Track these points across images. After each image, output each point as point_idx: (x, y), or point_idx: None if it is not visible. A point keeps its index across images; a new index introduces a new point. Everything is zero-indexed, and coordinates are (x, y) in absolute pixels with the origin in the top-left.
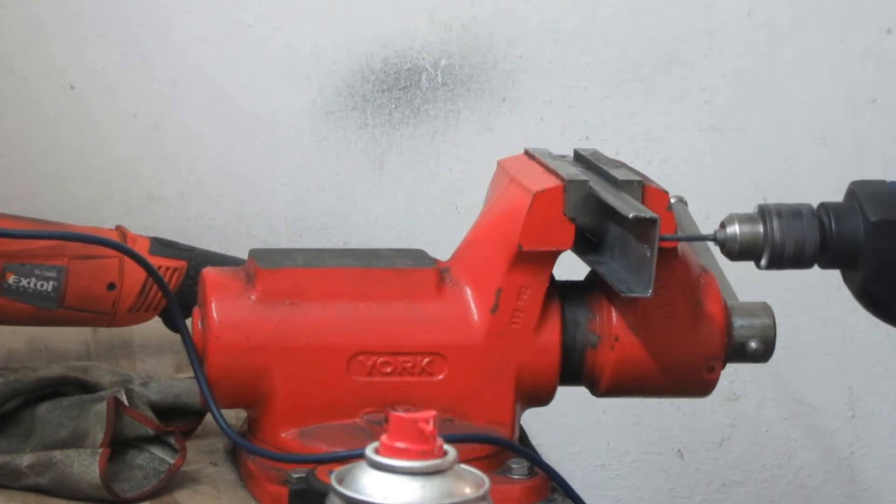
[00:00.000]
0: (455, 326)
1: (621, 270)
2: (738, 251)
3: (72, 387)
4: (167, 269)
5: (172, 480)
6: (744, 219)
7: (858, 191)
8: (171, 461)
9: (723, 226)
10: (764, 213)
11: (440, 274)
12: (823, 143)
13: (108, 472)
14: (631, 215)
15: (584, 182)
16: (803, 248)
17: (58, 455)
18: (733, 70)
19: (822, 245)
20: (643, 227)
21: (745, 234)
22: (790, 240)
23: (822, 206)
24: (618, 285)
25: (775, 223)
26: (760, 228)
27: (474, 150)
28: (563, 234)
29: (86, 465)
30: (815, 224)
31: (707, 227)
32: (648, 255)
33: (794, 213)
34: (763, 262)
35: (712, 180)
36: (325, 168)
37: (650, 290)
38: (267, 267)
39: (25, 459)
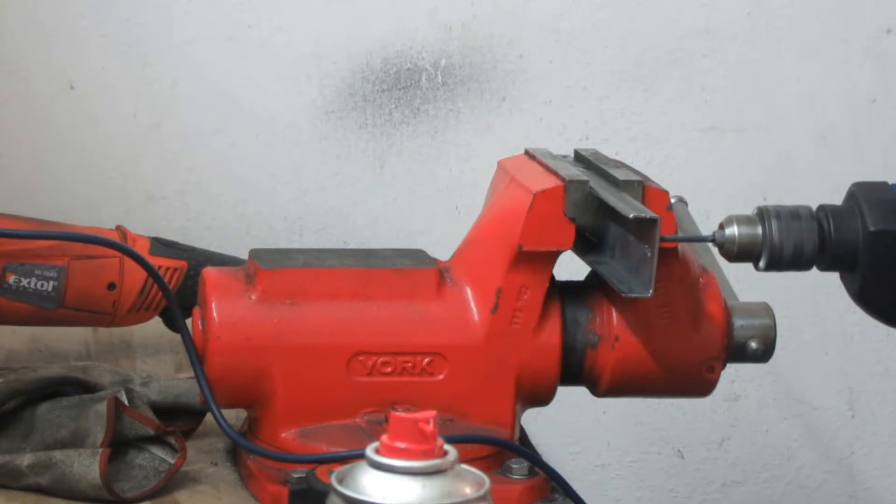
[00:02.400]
0: (455, 326)
1: (621, 270)
2: (737, 253)
3: (72, 387)
4: (167, 269)
5: (172, 480)
6: (742, 220)
7: (859, 195)
8: (172, 461)
9: (721, 227)
10: (763, 214)
11: (440, 274)
12: (823, 143)
13: (108, 471)
14: (631, 215)
15: (585, 182)
16: (802, 251)
17: (58, 455)
18: (733, 70)
19: (821, 248)
20: (644, 228)
21: (744, 235)
22: (789, 242)
23: (822, 208)
24: (618, 285)
25: (774, 225)
26: (759, 230)
27: (474, 150)
28: (564, 234)
29: (86, 465)
30: (815, 227)
31: (707, 227)
32: (649, 255)
33: (792, 216)
34: (761, 263)
35: (712, 180)
36: (325, 168)
37: (650, 291)
38: (267, 267)
39: (25, 459)
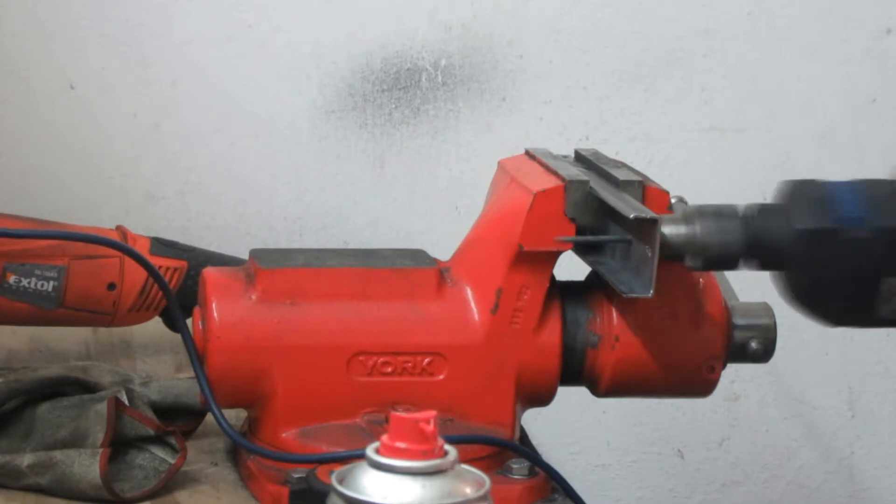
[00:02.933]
0: (455, 326)
1: (622, 271)
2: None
3: (72, 387)
4: (167, 269)
5: (172, 480)
6: (667, 221)
7: (788, 193)
8: (172, 461)
9: None
10: (688, 214)
11: (440, 274)
12: (823, 143)
13: (108, 471)
14: (631, 215)
15: (585, 182)
16: (727, 250)
17: (58, 455)
18: (733, 70)
19: (748, 247)
20: (644, 228)
21: (672, 235)
22: (714, 241)
23: (749, 206)
24: (619, 286)
25: (698, 225)
26: (685, 230)
27: (474, 150)
28: (564, 234)
29: (86, 465)
30: (739, 226)
31: None
32: (649, 255)
33: (717, 214)
34: (690, 262)
35: (712, 180)
36: (325, 168)
37: (651, 291)
38: (267, 267)
39: (25, 459)
